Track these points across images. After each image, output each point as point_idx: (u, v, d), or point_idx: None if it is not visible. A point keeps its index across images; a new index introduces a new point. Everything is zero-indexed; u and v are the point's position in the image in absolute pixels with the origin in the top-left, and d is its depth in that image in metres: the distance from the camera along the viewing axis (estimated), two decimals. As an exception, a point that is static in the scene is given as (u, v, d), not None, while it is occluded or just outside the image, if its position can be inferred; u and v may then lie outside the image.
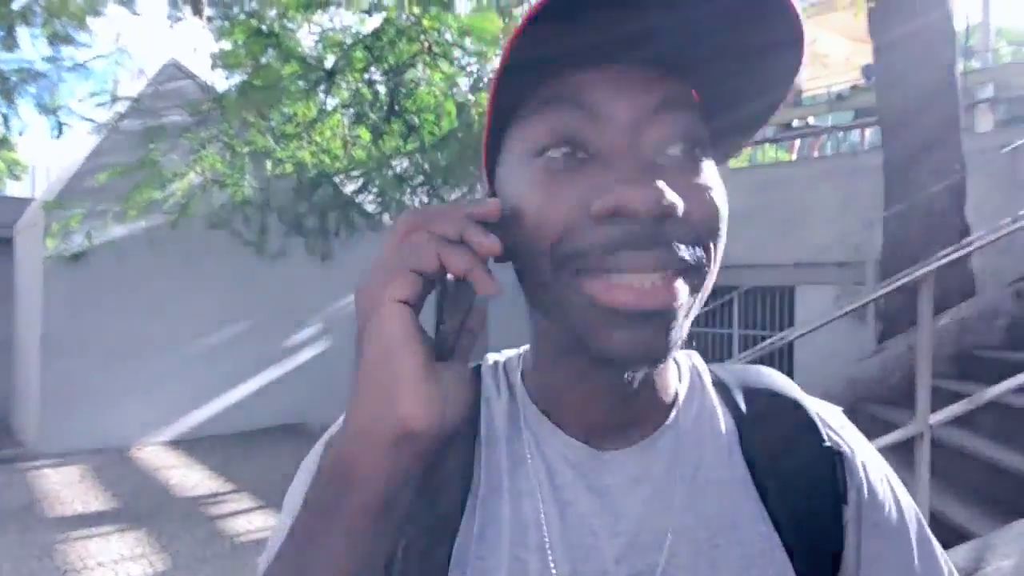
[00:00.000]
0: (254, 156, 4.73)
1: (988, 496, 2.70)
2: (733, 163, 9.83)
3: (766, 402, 0.47)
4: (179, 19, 4.89)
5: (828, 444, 0.46)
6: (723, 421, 0.46)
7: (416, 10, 3.18)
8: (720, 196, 0.38)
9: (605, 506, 0.42)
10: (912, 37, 4.45)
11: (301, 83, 3.57)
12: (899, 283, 2.51)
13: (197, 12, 4.73)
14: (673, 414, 0.45)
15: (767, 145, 9.64)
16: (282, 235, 5.31)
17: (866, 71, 6.93)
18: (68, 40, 3.67)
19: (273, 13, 4.05)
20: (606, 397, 0.42)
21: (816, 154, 8.03)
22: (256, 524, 4.18)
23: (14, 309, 7.32)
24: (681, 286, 0.36)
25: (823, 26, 7.24)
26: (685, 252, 0.35)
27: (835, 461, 0.45)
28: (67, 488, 4.89)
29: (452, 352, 0.38)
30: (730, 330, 6.16)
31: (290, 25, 4.19)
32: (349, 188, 5.23)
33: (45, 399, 5.81)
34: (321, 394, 7.27)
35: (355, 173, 4.98)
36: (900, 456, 2.44)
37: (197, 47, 5.02)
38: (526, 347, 0.49)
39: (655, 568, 0.41)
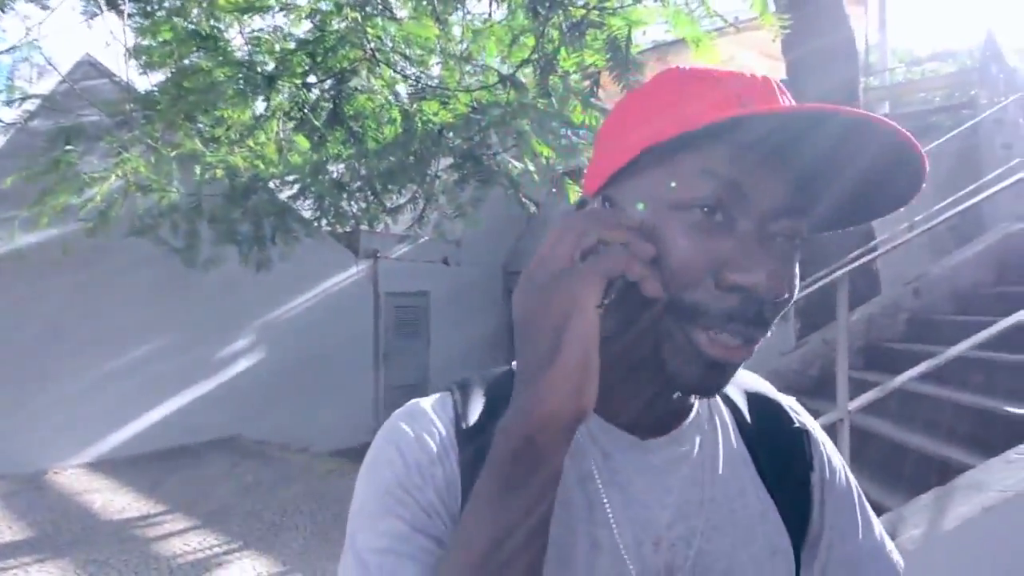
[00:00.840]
0: (181, 160, 4.52)
1: (895, 473, 2.98)
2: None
3: (752, 397, 0.61)
4: (95, 14, 4.60)
5: (798, 426, 0.59)
6: (726, 413, 0.58)
7: (356, 16, 3.16)
8: (798, 281, 0.47)
9: (654, 484, 0.51)
10: (819, 56, 4.85)
11: (237, 87, 3.46)
12: (819, 284, 2.74)
13: (114, 7, 4.47)
14: (695, 411, 0.56)
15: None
16: (213, 242, 5.08)
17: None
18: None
19: (196, 11, 3.87)
20: (657, 399, 0.51)
21: (737, 162, 8.50)
22: (193, 544, 3.99)
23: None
24: (754, 351, 0.45)
25: (740, 44, 7.71)
26: (767, 327, 0.45)
27: (803, 439, 0.58)
28: (-27, 519, 4.49)
29: None
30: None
31: (219, 25, 4.03)
32: (285, 194, 5.07)
33: (-55, 423, 5.29)
34: (256, 406, 6.99)
35: (291, 178, 4.83)
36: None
37: (110, 42, 4.73)
38: None
39: (696, 530, 0.51)
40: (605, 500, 0.50)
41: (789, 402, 0.62)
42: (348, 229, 7.20)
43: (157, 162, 4.36)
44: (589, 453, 0.51)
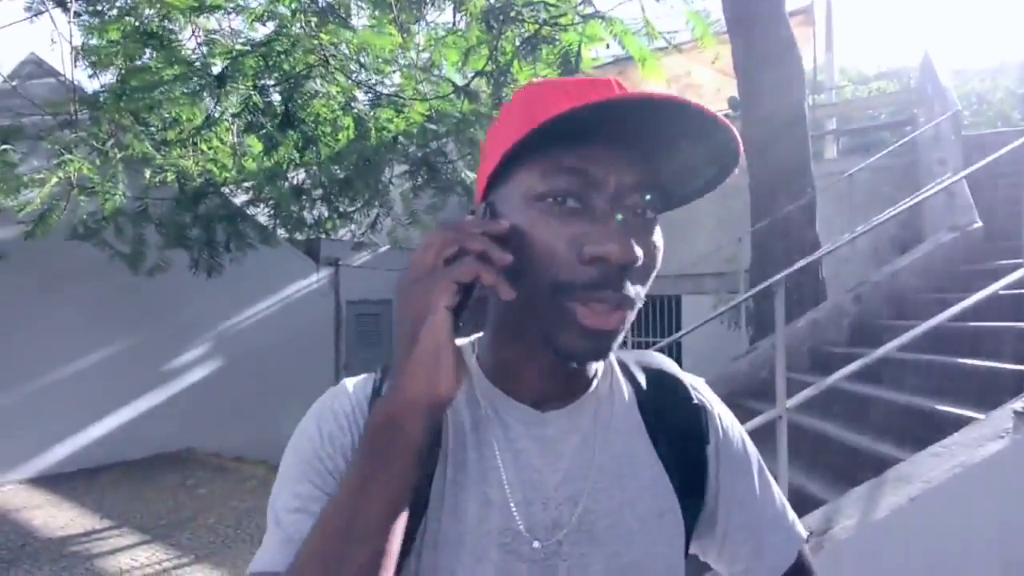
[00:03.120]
0: (130, 162, 4.41)
1: (838, 470, 3.10)
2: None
3: (655, 375, 0.66)
4: (40, 12, 4.47)
5: (696, 402, 0.64)
6: (626, 389, 0.63)
7: (313, 21, 3.16)
8: (659, 247, 0.52)
9: (546, 451, 0.57)
10: (768, 73, 5.06)
11: (186, 87, 3.41)
12: (757, 290, 2.85)
13: (61, 4, 4.35)
14: (593, 385, 0.61)
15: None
16: (161, 248, 4.95)
17: (732, 102, 7.70)
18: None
19: (150, 12, 3.81)
20: (553, 375, 0.57)
21: (695, 174, 8.75)
22: (141, 559, 3.85)
23: None
24: (627, 315, 0.50)
25: (696, 61, 7.98)
26: (632, 292, 0.50)
27: (700, 414, 0.64)
28: (-99, 538, 4.24)
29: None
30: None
31: (171, 26, 3.97)
32: (240, 199, 5.00)
33: None
34: (210, 418, 6.79)
35: (247, 184, 4.76)
36: (766, 437, 2.76)
37: (56, 41, 4.60)
38: (475, 337, 0.63)
39: (583, 492, 0.56)
40: (500, 464, 0.55)
41: (693, 381, 0.67)
42: (311, 236, 7.11)
43: (103, 164, 4.24)
44: (491, 425, 0.57)
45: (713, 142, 0.49)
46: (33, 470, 5.69)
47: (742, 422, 2.32)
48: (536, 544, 0.54)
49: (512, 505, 0.54)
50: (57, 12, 4.44)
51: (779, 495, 0.64)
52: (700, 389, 0.66)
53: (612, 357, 0.66)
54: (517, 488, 0.55)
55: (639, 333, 7.61)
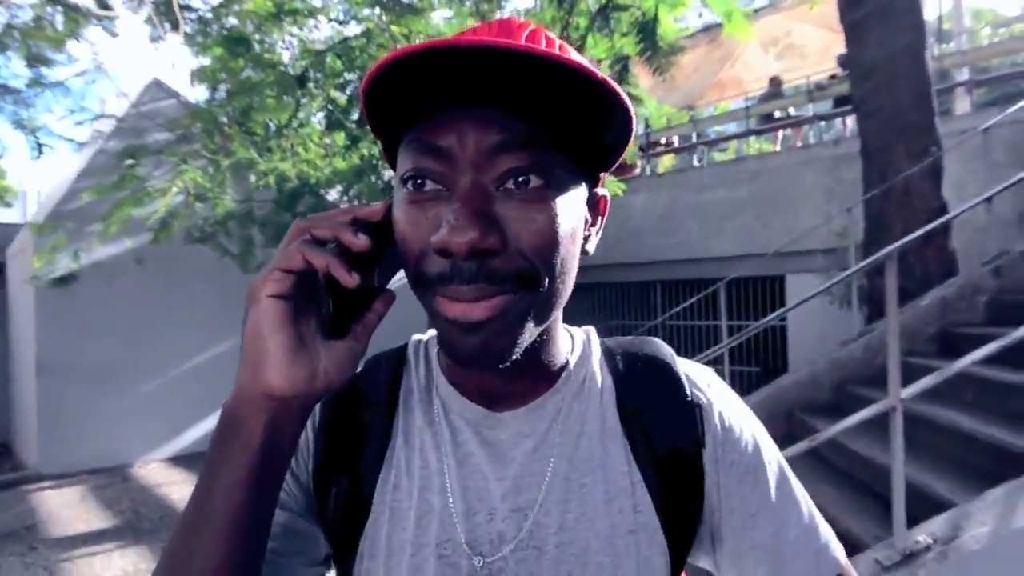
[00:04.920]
0: (235, 168, 4.77)
1: (970, 468, 2.74)
2: (719, 156, 9.84)
3: (641, 364, 0.56)
4: (161, 39, 4.94)
5: (689, 398, 0.54)
6: (603, 381, 0.55)
7: (387, 18, 3.23)
8: (552, 220, 0.43)
9: (494, 456, 0.52)
10: (880, 23, 4.51)
11: (272, 89, 3.62)
12: (867, 263, 2.56)
13: (175, 28, 4.79)
14: (560, 380, 0.54)
15: (751, 137, 9.70)
16: (265, 247, 5.31)
17: (841, 59, 6.99)
18: (45, 61, 3.72)
19: (247, 24, 4.10)
20: (484, 378, 0.52)
21: (799, 143, 8.09)
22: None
23: (9, 333, 7.35)
24: (504, 302, 0.42)
25: (798, 19, 7.31)
26: (508, 281, 0.42)
27: (695, 413, 0.53)
28: (69, 508, 4.92)
29: (344, 330, 0.45)
30: (717, 321, 6.20)
31: (269, 40, 4.24)
32: (332, 197, 5.24)
33: (43, 420, 5.84)
34: (318, 404, 7.29)
35: (339, 185, 5.00)
36: (879, 431, 2.48)
37: (175, 63, 5.07)
38: None
39: (534, 504, 0.50)
40: (445, 470, 0.51)
41: (691, 371, 0.57)
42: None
43: (214, 172, 4.63)
44: (441, 426, 0.53)
45: (574, 83, 0.39)
46: (171, 450, 6.41)
47: (854, 411, 2.07)
48: (477, 560, 0.49)
49: (454, 514, 0.50)
50: (172, 38, 4.90)
51: (810, 511, 0.53)
52: (699, 381, 0.56)
53: (594, 344, 0.57)
54: (460, 497, 0.50)
55: (736, 316, 7.16)
